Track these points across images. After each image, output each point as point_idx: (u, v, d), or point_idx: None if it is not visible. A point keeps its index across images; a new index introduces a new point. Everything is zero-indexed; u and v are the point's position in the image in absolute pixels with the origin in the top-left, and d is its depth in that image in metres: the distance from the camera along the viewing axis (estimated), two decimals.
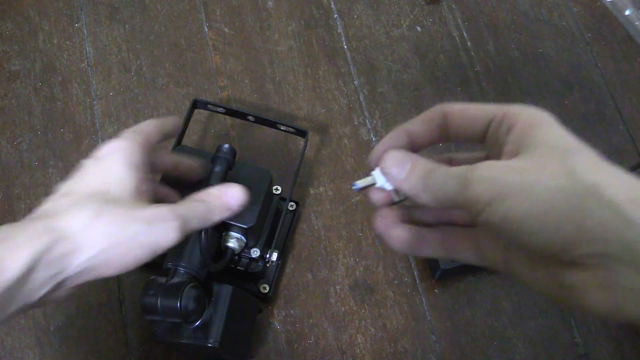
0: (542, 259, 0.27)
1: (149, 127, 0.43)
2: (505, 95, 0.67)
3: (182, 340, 0.45)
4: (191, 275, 0.44)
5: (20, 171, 0.61)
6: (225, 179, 0.48)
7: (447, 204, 0.28)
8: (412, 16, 0.70)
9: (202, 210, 0.41)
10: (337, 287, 0.57)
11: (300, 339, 0.55)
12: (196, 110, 0.59)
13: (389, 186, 0.32)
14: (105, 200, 0.37)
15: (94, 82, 0.65)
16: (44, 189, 0.60)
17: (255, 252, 0.51)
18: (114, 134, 0.63)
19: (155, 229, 0.37)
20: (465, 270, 0.57)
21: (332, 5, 0.70)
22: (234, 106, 0.61)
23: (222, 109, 0.57)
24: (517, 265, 0.29)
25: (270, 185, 0.52)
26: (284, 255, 0.58)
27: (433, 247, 0.32)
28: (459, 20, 0.70)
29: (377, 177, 0.32)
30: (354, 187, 0.32)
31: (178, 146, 0.55)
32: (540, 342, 0.56)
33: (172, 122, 0.46)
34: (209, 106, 0.57)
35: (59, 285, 0.35)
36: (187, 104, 0.61)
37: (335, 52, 0.68)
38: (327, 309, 0.56)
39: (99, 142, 0.62)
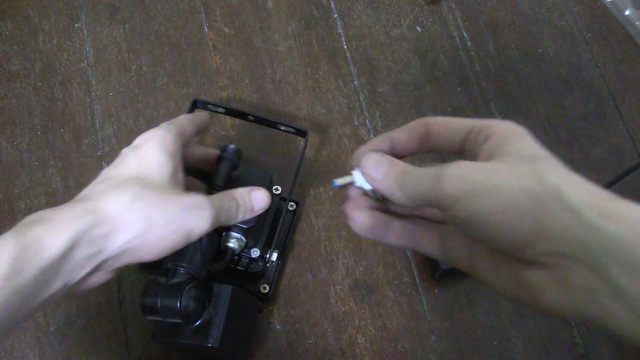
0: (503, 257, 0.28)
1: (183, 120, 0.46)
2: (505, 95, 0.67)
3: (182, 341, 0.45)
4: (191, 275, 0.44)
5: (20, 171, 0.61)
6: (229, 179, 0.48)
7: (419, 201, 0.29)
8: (412, 16, 0.70)
9: (231, 206, 0.43)
10: (337, 287, 0.57)
11: (300, 339, 0.55)
12: (196, 110, 0.59)
13: (367, 186, 0.33)
14: (144, 184, 0.38)
15: (94, 82, 0.65)
16: (44, 189, 0.60)
17: (255, 252, 0.51)
18: (114, 134, 0.63)
19: (190, 216, 0.39)
20: None
21: (332, 5, 0.70)
22: (234, 106, 0.61)
23: (222, 109, 0.57)
24: (479, 263, 0.30)
25: (271, 185, 0.52)
26: (284, 255, 0.58)
27: (398, 236, 0.34)
28: (459, 20, 0.70)
29: (357, 176, 0.33)
30: (334, 185, 0.34)
31: None
32: (540, 342, 0.56)
33: (204, 117, 0.50)
34: (209, 106, 0.57)
35: (98, 267, 0.36)
36: (187, 104, 0.61)
37: (335, 52, 0.68)
38: (327, 309, 0.56)
39: (98, 142, 0.63)
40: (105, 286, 0.56)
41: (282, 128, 0.56)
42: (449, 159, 0.29)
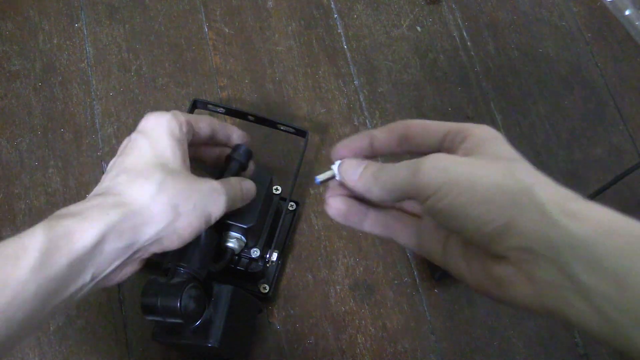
0: (475, 251, 0.30)
1: (194, 115, 0.46)
2: (505, 95, 0.67)
3: (182, 340, 0.45)
4: (191, 275, 0.44)
5: (20, 171, 0.61)
6: None
7: (397, 193, 0.30)
8: (412, 16, 0.70)
9: (237, 193, 0.44)
10: (337, 287, 0.57)
11: (300, 339, 0.55)
12: (196, 111, 0.59)
13: None
14: (166, 172, 0.39)
15: (94, 82, 0.65)
16: (44, 189, 0.60)
17: (255, 252, 0.51)
18: (113, 134, 0.63)
19: (209, 201, 0.40)
20: None
21: (332, 5, 0.70)
22: (234, 106, 0.61)
23: (222, 109, 0.57)
24: (453, 257, 0.32)
25: (271, 185, 0.52)
26: (284, 255, 0.58)
27: (373, 224, 0.35)
28: (459, 20, 0.70)
29: (336, 170, 0.35)
30: (316, 181, 0.36)
31: None
32: (540, 342, 0.56)
33: (228, 128, 0.50)
34: (209, 106, 0.57)
35: (130, 259, 0.37)
36: (187, 104, 0.61)
37: (335, 52, 0.68)
38: (327, 309, 0.56)
39: (99, 142, 0.63)
40: None
41: (282, 128, 0.56)
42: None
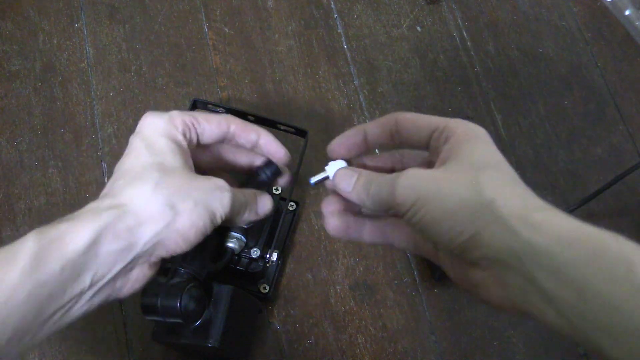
0: (456, 255, 0.31)
1: (199, 114, 0.44)
2: (505, 95, 0.67)
3: (182, 340, 0.45)
4: (191, 275, 0.44)
5: (20, 171, 0.61)
6: None
7: (384, 207, 0.33)
8: (412, 16, 0.70)
9: (243, 201, 0.42)
10: (337, 287, 0.57)
11: (300, 339, 0.55)
12: (200, 111, 0.59)
13: None
14: (162, 171, 0.38)
15: (94, 82, 0.65)
16: (44, 189, 0.60)
17: (255, 252, 0.51)
18: (113, 134, 0.63)
19: (212, 199, 0.38)
20: None
21: (332, 5, 0.70)
22: (234, 106, 0.61)
23: (222, 109, 0.57)
24: (442, 258, 0.34)
25: (271, 185, 0.52)
26: (284, 255, 0.58)
27: (372, 235, 0.37)
28: (459, 20, 0.70)
29: (330, 171, 0.36)
30: (310, 183, 0.37)
31: None
32: (540, 342, 0.56)
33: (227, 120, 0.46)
34: (209, 106, 0.57)
35: (133, 263, 0.36)
36: (187, 104, 0.61)
37: (335, 52, 0.68)
38: (327, 309, 0.56)
39: (98, 142, 0.63)
40: None
41: (282, 128, 0.56)
42: None
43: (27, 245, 0.32)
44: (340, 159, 0.38)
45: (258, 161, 0.47)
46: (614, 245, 0.26)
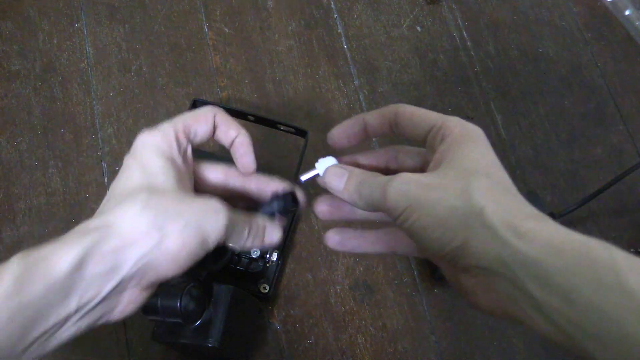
0: (445, 262, 0.31)
1: (187, 118, 0.41)
2: (505, 95, 0.67)
3: (182, 340, 0.45)
4: (191, 275, 0.44)
5: (20, 171, 0.61)
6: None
7: (376, 209, 0.33)
8: (412, 16, 0.70)
9: (244, 228, 0.39)
10: (337, 287, 0.57)
11: (300, 339, 0.55)
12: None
13: None
14: (151, 192, 0.36)
15: (94, 82, 0.65)
16: (44, 189, 0.60)
17: (255, 252, 0.51)
18: (113, 134, 0.63)
19: (204, 220, 0.36)
20: None
21: (332, 5, 0.70)
22: (234, 106, 0.61)
23: (222, 109, 0.57)
24: (439, 262, 0.34)
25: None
26: (284, 255, 0.58)
27: (371, 245, 0.38)
28: (459, 20, 0.70)
29: (320, 168, 0.36)
30: (300, 181, 0.37)
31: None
32: (540, 342, 0.56)
33: (210, 111, 0.42)
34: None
35: (122, 285, 0.34)
36: (187, 104, 0.61)
37: (335, 52, 0.68)
38: (327, 309, 0.56)
39: (98, 142, 0.63)
40: None
41: (282, 128, 0.56)
42: None
43: (11, 267, 0.31)
44: (340, 148, 0.37)
45: (269, 188, 0.43)
46: (603, 252, 0.26)
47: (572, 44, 0.70)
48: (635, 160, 0.63)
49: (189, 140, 0.41)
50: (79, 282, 0.32)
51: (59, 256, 0.32)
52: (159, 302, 0.42)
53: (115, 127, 0.63)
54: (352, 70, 0.67)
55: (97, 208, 0.37)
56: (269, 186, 0.42)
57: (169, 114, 0.64)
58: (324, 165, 0.37)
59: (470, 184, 0.29)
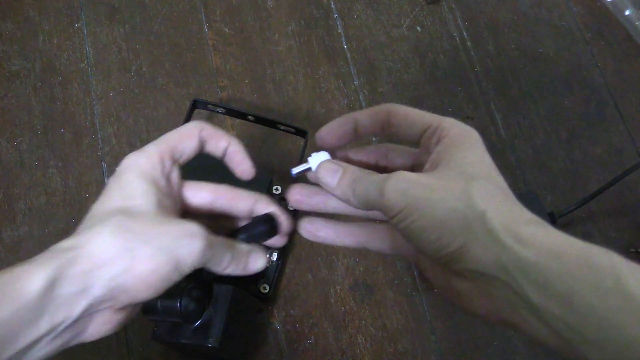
0: (439, 265, 0.31)
1: (172, 137, 0.39)
2: (505, 95, 0.67)
3: (182, 340, 0.45)
4: (191, 275, 0.44)
5: (20, 171, 0.61)
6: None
7: (370, 207, 0.32)
8: (412, 16, 0.70)
9: (224, 254, 0.38)
10: (337, 287, 0.57)
11: (300, 339, 0.55)
12: (196, 111, 0.59)
13: None
14: (126, 215, 0.35)
15: (94, 82, 0.65)
16: (44, 189, 0.60)
17: None
18: (113, 134, 0.63)
19: (180, 245, 0.35)
20: None
21: (332, 5, 0.70)
22: (234, 106, 0.61)
23: (222, 109, 0.57)
24: (424, 263, 0.34)
25: (270, 185, 0.52)
26: (284, 255, 0.58)
27: (346, 238, 0.37)
28: (459, 20, 0.70)
29: (312, 163, 0.35)
30: (292, 174, 0.36)
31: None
32: None
33: (196, 127, 0.39)
34: (209, 106, 0.57)
35: (93, 307, 0.34)
36: (187, 104, 0.61)
37: (335, 52, 0.68)
38: (327, 309, 0.56)
39: (98, 142, 0.63)
40: None
41: (282, 128, 0.56)
42: None
43: None
44: (329, 147, 0.36)
45: (259, 208, 0.41)
46: (602, 258, 0.26)
47: (572, 44, 0.70)
48: (635, 160, 0.62)
49: (174, 160, 0.39)
50: (49, 303, 0.32)
51: (29, 277, 0.31)
52: (158, 302, 0.42)
53: (115, 127, 0.63)
54: (352, 70, 0.67)
55: None
56: (256, 207, 0.41)
57: (169, 114, 0.64)
58: (317, 160, 0.36)
59: (471, 187, 0.29)
